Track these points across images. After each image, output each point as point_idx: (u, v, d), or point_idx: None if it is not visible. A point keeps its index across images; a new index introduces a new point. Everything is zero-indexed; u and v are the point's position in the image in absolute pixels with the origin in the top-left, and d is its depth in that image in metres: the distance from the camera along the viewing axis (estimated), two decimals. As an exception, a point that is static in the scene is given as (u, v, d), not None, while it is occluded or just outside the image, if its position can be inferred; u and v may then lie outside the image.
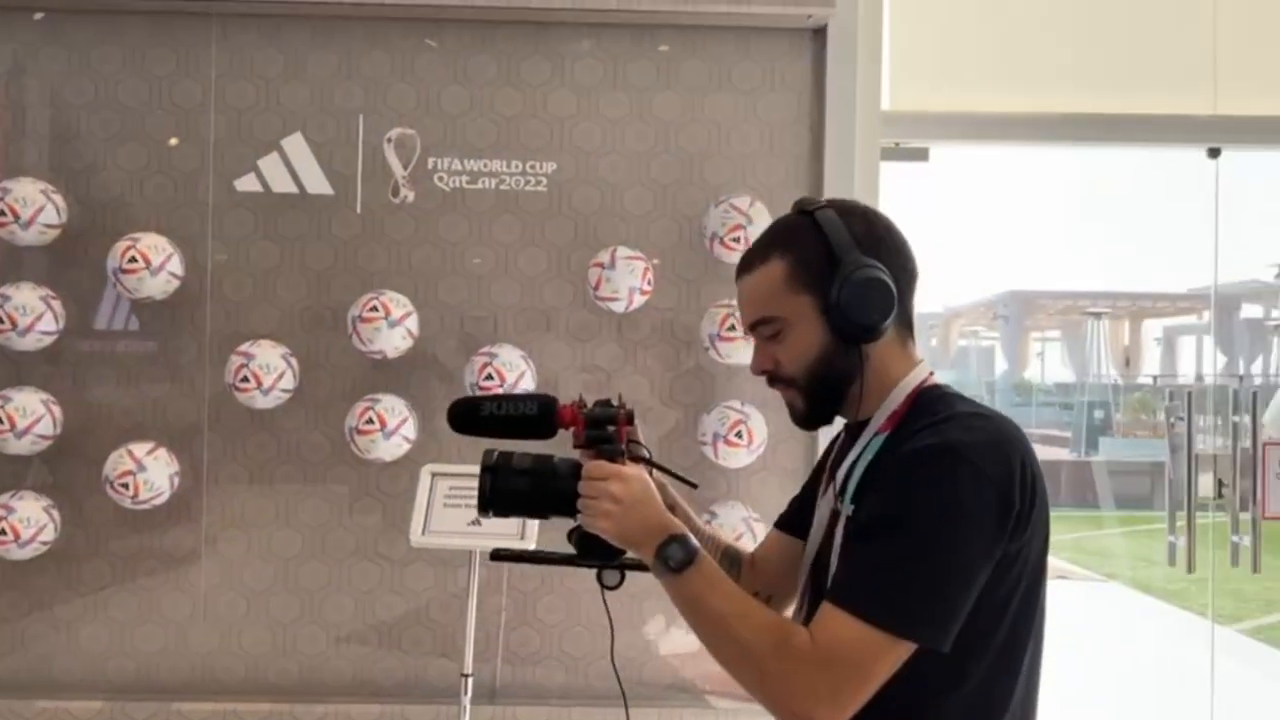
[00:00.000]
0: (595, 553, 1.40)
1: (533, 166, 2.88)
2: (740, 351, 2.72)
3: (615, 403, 1.43)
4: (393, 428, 2.69)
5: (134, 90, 2.85)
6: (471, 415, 1.43)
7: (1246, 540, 3.14)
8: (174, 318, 2.85)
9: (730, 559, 1.59)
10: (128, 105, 2.85)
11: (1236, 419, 3.18)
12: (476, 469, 2.53)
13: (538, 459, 1.43)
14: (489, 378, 2.69)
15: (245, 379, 2.66)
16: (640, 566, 1.37)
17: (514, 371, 2.71)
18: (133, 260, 2.65)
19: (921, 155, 3.07)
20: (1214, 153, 3.22)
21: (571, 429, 1.41)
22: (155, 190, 2.84)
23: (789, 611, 1.47)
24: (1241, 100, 3.10)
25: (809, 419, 1.40)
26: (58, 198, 2.73)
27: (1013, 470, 1.22)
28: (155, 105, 2.85)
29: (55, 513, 2.74)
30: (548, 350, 2.87)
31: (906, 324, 1.37)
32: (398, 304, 2.72)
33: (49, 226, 2.72)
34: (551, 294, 2.89)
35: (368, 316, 2.68)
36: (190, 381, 2.85)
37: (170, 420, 2.84)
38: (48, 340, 2.73)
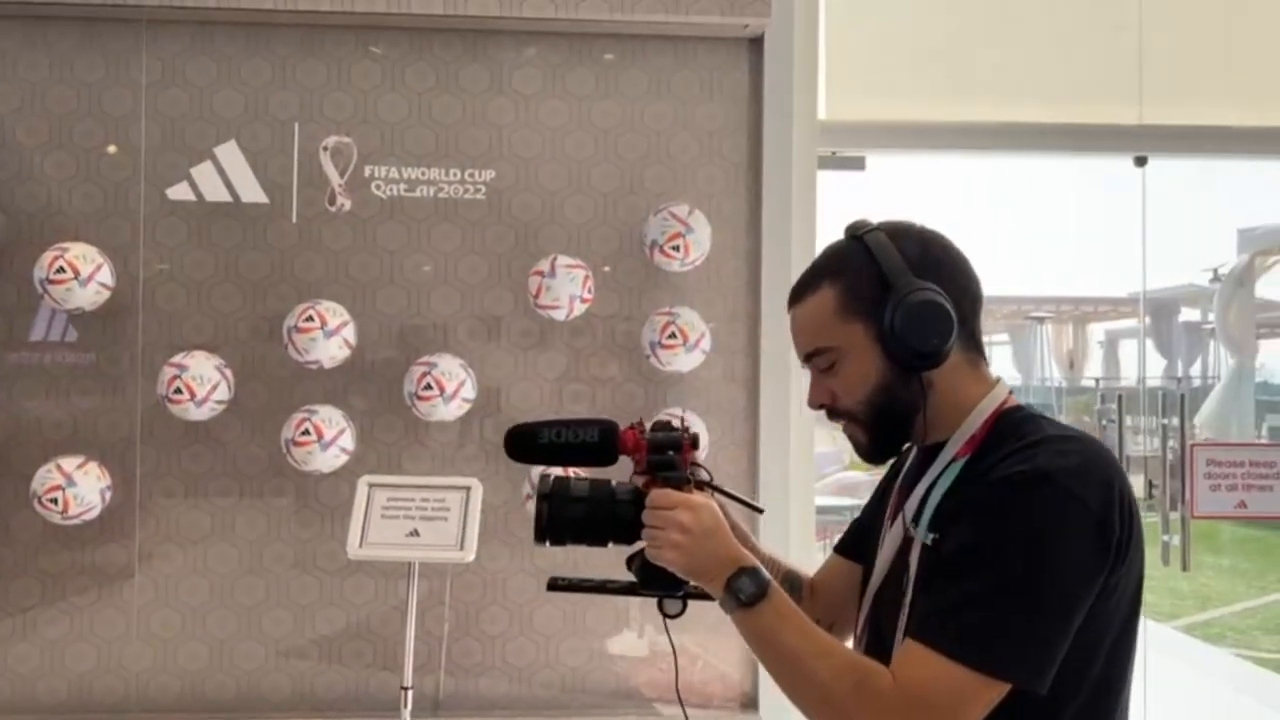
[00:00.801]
0: (658, 582, 1.34)
1: (471, 175, 2.87)
2: (680, 359, 2.74)
3: (678, 426, 1.37)
4: (330, 439, 2.66)
5: (62, 98, 2.80)
6: (530, 443, 1.39)
7: (1176, 539, 3.22)
8: (105, 329, 2.79)
9: (791, 584, 1.52)
10: (56, 113, 2.79)
11: (1166, 421, 3.26)
12: (414, 480, 2.51)
13: (595, 484, 1.37)
14: (428, 387, 2.68)
15: (178, 390, 2.61)
16: (706, 597, 1.31)
17: (454, 380, 2.70)
18: (60, 270, 2.60)
19: (858, 164, 3.10)
20: (1140, 161, 3.30)
21: (633, 455, 1.36)
22: (85, 199, 2.79)
23: (850, 641, 1.43)
24: (1167, 110, 3.18)
25: (874, 452, 1.33)
26: (-17, 207, 2.68)
27: (1111, 496, 1.15)
28: (85, 113, 2.80)
29: (-19, 530, 2.68)
30: (490, 359, 2.86)
31: (975, 346, 1.32)
32: (334, 313, 2.69)
33: (-26, 237, 2.66)
34: (492, 302, 2.88)
35: (303, 326, 2.65)
36: (122, 393, 2.80)
37: (102, 433, 2.79)
38: (-28, 353, 2.66)
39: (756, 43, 2.89)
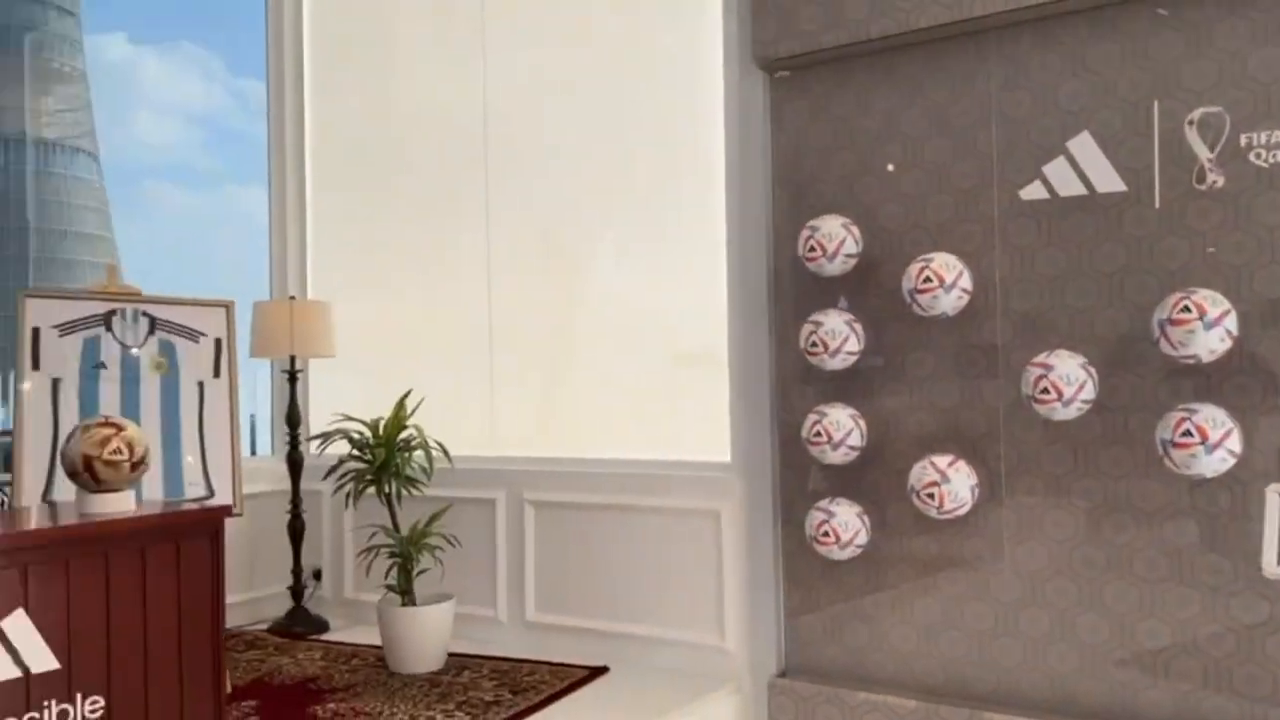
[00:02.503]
0: None
1: (1379, 124, 2.38)
2: None
3: None
4: (1215, 441, 2.42)
5: (913, 120, 3.00)
6: None
7: None
8: (961, 332, 2.91)
9: None
10: (909, 135, 3.00)
11: None
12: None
13: None
14: (1335, 381, 2.28)
15: (1045, 390, 2.61)
16: None
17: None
18: (927, 280, 2.78)
19: None
20: None
21: None
22: (937, 210, 2.95)
23: None
24: None
25: None
26: (855, 229, 2.99)
27: None
28: (934, 131, 2.96)
29: (865, 518, 2.98)
30: None
31: None
32: (1213, 303, 2.44)
33: (849, 256, 2.98)
34: None
35: (1178, 319, 2.45)
36: (979, 393, 2.89)
37: (962, 432, 2.91)
38: (851, 360, 2.98)
39: None
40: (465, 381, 4.19)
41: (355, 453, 3.67)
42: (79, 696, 2.18)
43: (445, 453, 3.71)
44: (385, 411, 3.69)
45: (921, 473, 2.82)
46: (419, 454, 3.69)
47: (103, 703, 2.22)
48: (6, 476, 3.30)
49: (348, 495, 3.67)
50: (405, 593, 3.57)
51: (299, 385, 4.22)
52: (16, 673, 2.08)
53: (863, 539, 2.97)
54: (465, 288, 4.22)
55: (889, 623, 3.05)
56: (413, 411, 3.69)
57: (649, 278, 3.86)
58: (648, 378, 3.81)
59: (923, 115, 2.98)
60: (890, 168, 3.03)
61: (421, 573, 3.62)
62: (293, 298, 4.33)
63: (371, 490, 3.65)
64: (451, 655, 3.59)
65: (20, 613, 2.10)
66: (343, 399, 4.15)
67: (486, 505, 3.96)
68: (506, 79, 4.14)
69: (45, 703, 2.12)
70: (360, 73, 4.61)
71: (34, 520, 2.43)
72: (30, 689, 2.10)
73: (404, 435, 3.67)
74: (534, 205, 4.15)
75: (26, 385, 3.28)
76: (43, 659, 2.12)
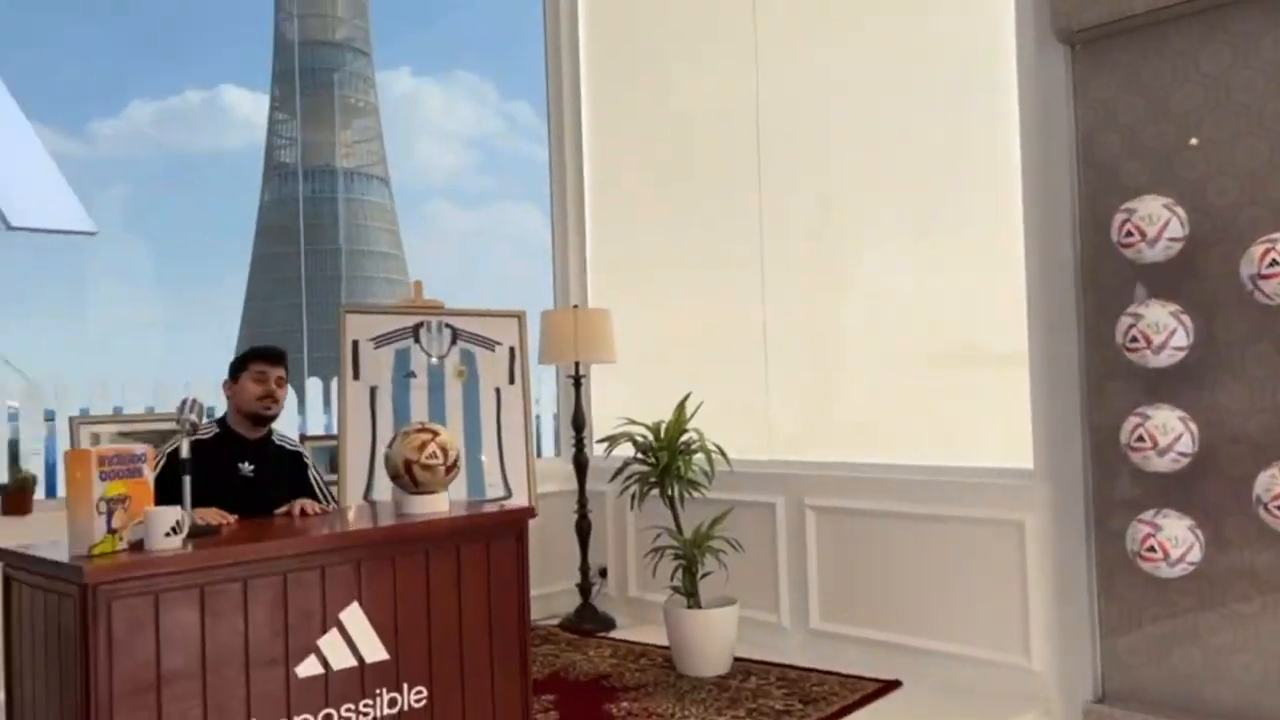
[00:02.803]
0: None
1: None
2: None
3: None
4: None
5: (1247, 83, 2.65)
6: None
7: None
8: (1315, 322, 2.55)
9: None
10: (1242, 102, 2.66)
11: None
12: None
13: None
14: None
15: None
16: None
17: None
18: (1273, 264, 2.45)
19: None
20: None
21: None
22: (1279, 185, 2.60)
23: None
24: None
25: None
26: (1180, 210, 2.68)
27: None
28: (1272, 95, 2.61)
29: (1198, 532, 2.67)
30: None
31: None
32: None
33: (1173, 240, 2.68)
34: None
35: None
36: (1340, 392, 2.51)
37: (1319, 436, 2.54)
38: (1179, 356, 2.68)
39: None
40: (740, 384, 4.18)
41: (639, 455, 3.74)
42: (405, 686, 2.34)
43: (724, 456, 3.70)
44: (660, 414, 3.73)
45: (1270, 483, 2.48)
46: (699, 457, 3.71)
47: (426, 692, 2.37)
48: (333, 477, 3.63)
49: (633, 497, 3.75)
50: (690, 595, 3.59)
51: (582, 390, 4.36)
52: (353, 662, 2.26)
53: (1195, 555, 2.66)
54: (738, 289, 4.21)
55: (1228, 649, 2.71)
56: (692, 415, 3.71)
57: (929, 274, 3.68)
58: (926, 377, 3.63)
59: (1260, 76, 2.63)
60: (1193, 142, 2.71)
61: (705, 575, 3.63)
62: (575, 306, 4.48)
63: (655, 492, 3.71)
64: (737, 660, 3.57)
65: (355, 606, 2.28)
66: (620, 402, 4.26)
67: (766, 509, 3.92)
68: (779, 77, 4.09)
69: (377, 691, 2.29)
70: (633, 87, 4.72)
71: (362, 520, 2.63)
72: (365, 678, 2.27)
73: (684, 438, 3.70)
74: (808, 204, 4.07)
75: (349, 393, 3.58)
76: (375, 649, 2.29)
